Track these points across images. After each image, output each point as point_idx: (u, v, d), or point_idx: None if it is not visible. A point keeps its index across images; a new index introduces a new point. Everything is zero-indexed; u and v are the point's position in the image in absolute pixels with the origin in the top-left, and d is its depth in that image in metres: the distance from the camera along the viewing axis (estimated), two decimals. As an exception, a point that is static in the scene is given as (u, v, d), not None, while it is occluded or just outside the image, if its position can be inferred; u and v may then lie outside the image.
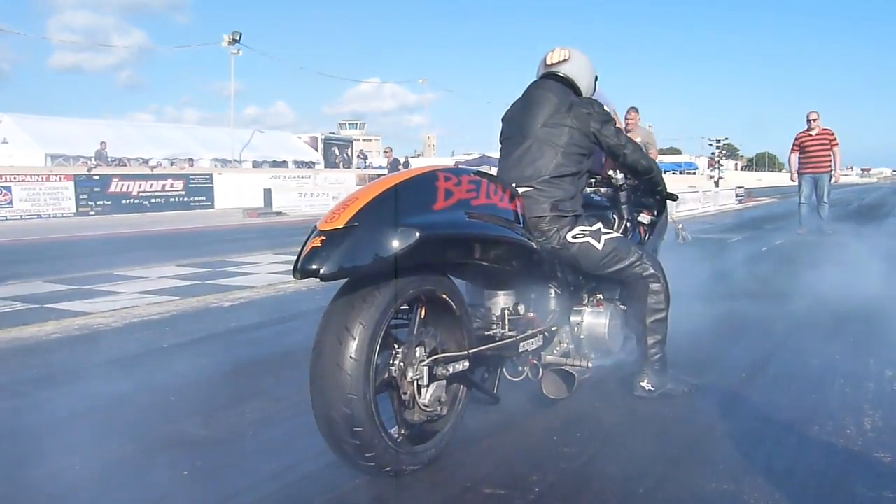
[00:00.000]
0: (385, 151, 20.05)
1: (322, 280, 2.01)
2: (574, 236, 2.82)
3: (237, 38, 29.66)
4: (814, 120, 10.49)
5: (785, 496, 2.08)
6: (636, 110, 8.69)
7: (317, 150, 38.09)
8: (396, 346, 2.26)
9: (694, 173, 57.06)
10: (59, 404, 3.01)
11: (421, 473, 2.24)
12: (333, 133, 49.72)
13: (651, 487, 2.15)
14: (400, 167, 16.76)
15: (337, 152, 38.45)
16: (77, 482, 2.24)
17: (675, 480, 2.20)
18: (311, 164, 34.26)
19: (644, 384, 2.97)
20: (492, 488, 2.15)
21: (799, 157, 10.66)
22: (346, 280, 2.14)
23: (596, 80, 3.13)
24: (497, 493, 2.12)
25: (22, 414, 2.90)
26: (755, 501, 2.05)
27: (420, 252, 2.11)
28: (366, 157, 35.42)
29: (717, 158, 30.43)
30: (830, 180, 10.46)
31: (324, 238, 2.03)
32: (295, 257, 2.07)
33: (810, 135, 10.50)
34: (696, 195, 19.63)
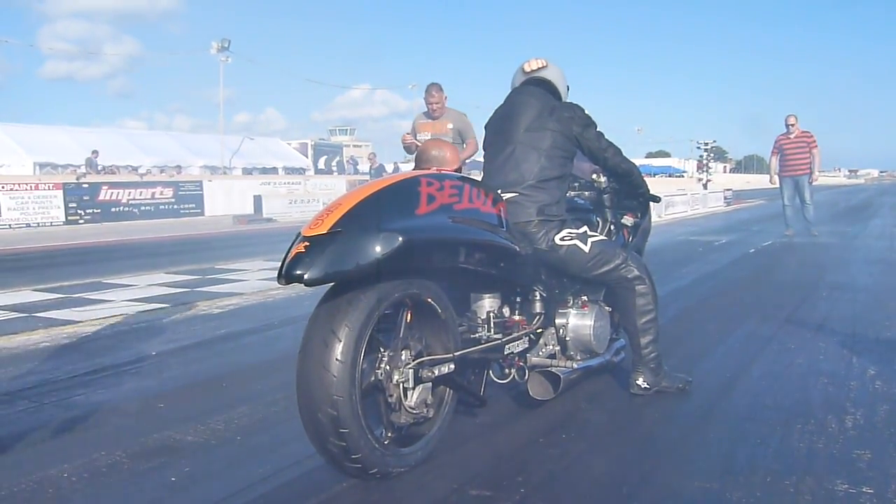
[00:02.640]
0: (369, 157, 19.32)
1: (307, 285, 2.04)
2: (562, 239, 2.86)
3: (226, 46, 29.63)
4: (792, 124, 10.65)
5: (766, 494, 2.12)
6: (439, 88, 5.99)
7: (307, 157, 38.05)
8: (382, 349, 2.28)
9: (681, 176, 57.35)
10: (47, 412, 3.02)
11: (407, 475, 2.26)
12: (323, 139, 49.69)
13: (635, 487, 2.17)
14: (384, 174, 16.51)
15: (330, 158, 38.44)
16: (66, 488, 2.24)
17: (659, 480, 2.23)
18: (301, 171, 34.23)
19: (640, 382, 3.02)
20: (478, 490, 2.17)
21: (779, 160, 10.78)
22: (331, 285, 2.16)
23: (567, 90, 3.18)
24: (483, 495, 2.14)
25: (11, 422, 2.90)
26: (737, 500, 2.08)
27: (404, 256, 2.14)
28: (356, 163, 35.38)
29: (705, 161, 30.61)
30: (810, 182, 10.57)
31: (308, 244, 2.07)
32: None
33: (789, 137, 10.63)
34: (685, 198, 19.72)
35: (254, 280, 7.01)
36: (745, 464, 2.34)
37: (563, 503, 2.10)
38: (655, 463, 2.37)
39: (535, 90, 3.04)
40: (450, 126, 5.86)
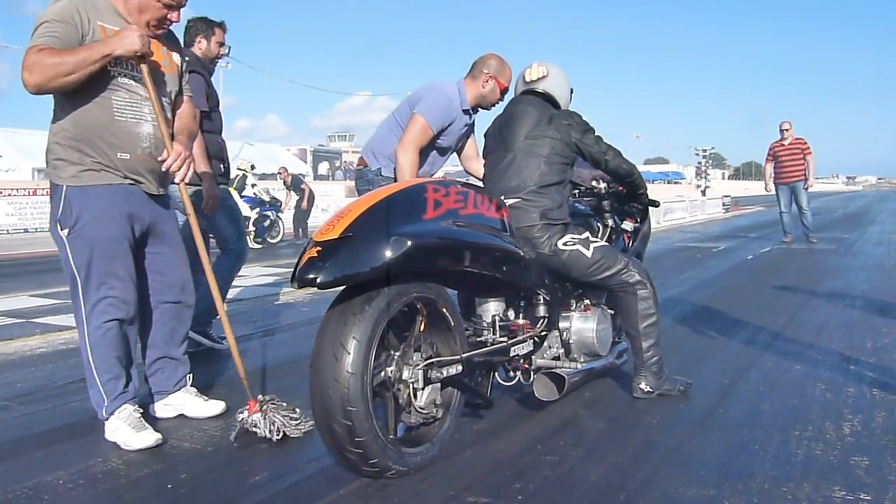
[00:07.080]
0: (279, 172, 16.99)
1: (319, 288, 2.09)
2: (564, 244, 2.91)
3: (226, 52, 29.68)
4: (786, 130, 10.65)
5: (763, 500, 2.11)
6: None
7: (306, 163, 38.15)
8: (392, 351, 2.33)
9: (680, 183, 57.52)
10: (42, 418, 3.01)
11: (405, 482, 2.25)
12: (322, 145, 49.82)
13: (633, 493, 2.17)
14: (302, 186, 15.50)
15: (337, 164, 38.50)
16: (62, 495, 2.23)
17: (657, 486, 2.22)
18: (300, 177, 34.26)
19: (643, 386, 3.06)
20: (475, 496, 2.16)
21: (773, 167, 10.79)
22: (341, 290, 2.21)
23: (571, 92, 3.22)
24: (480, 502, 2.13)
25: (7, 428, 2.89)
26: (735, 506, 2.08)
27: (412, 260, 2.19)
28: (351, 170, 35.50)
29: (703, 168, 30.69)
30: (805, 188, 10.57)
31: (320, 249, 2.12)
32: (285, 269, 2.11)
33: (783, 144, 10.64)
34: (683, 204, 19.76)
35: (252, 285, 7.00)
36: (742, 470, 2.33)
37: (560, 510, 2.09)
38: (653, 469, 2.36)
39: (533, 100, 3.10)
40: (172, 63, 2.81)
